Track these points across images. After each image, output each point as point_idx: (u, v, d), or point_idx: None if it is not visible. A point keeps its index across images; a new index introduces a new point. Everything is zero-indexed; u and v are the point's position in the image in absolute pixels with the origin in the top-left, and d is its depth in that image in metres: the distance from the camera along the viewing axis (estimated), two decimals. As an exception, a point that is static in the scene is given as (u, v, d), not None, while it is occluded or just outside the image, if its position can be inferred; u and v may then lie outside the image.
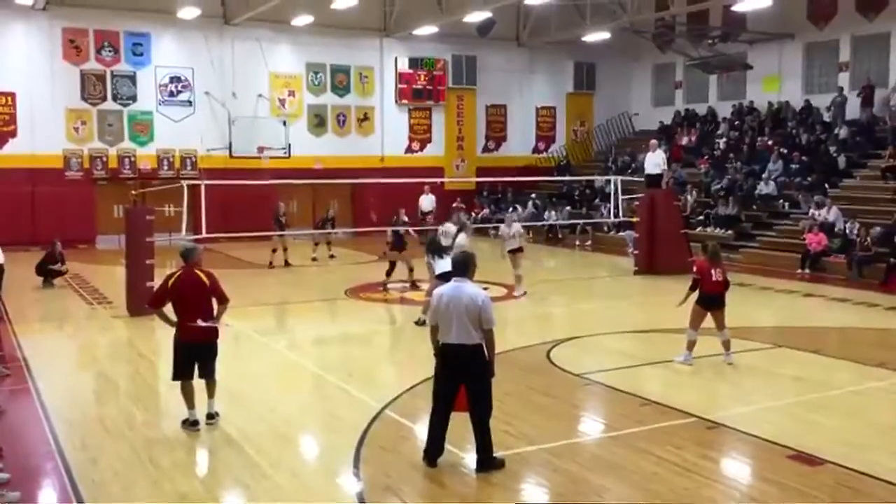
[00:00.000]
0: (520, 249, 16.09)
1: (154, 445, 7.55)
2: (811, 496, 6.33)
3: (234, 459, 7.26)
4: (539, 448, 7.43)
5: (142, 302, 13.45)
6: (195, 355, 7.93)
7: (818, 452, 7.15)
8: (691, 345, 10.31)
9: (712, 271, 10.24)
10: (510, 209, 27.88)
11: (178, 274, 7.98)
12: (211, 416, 8.03)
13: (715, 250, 10.62)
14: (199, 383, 8.04)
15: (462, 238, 13.98)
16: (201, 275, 7.99)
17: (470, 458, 6.93)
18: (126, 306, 13.87)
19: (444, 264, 12.33)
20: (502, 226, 16.74)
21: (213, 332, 8.02)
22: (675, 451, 7.26)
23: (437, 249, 12.51)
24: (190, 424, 7.90)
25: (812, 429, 7.94)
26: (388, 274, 15.92)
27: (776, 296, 16.37)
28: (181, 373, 7.94)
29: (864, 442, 7.57)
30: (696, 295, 10.32)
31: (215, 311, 8.04)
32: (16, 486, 6.39)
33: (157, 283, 13.49)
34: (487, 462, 6.81)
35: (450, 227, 15.45)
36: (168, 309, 8.04)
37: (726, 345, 10.35)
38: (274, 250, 19.85)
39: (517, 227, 16.44)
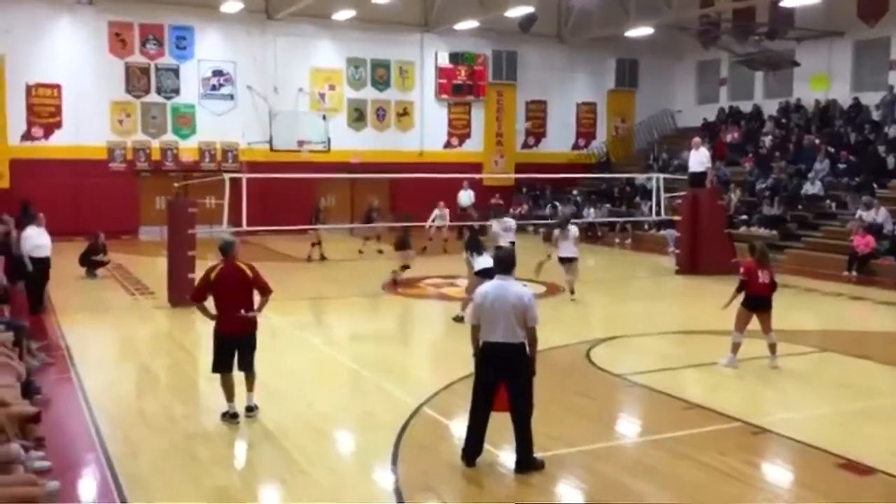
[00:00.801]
0: (575, 258, 14.74)
1: (193, 439, 7.58)
2: (861, 507, 6.15)
3: (272, 454, 7.26)
4: (578, 450, 7.32)
5: (183, 293, 13.60)
6: (235, 347, 7.95)
7: (867, 461, 6.93)
8: (736, 347, 10.10)
9: (759, 272, 10.01)
10: (550, 205, 27.75)
11: (219, 267, 8.00)
12: (250, 409, 8.05)
13: (763, 251, 10.38)
14: (238, 376, 8.07)
15: (509, 224, 14.21)
16: (244, 267, 8.03)
17: (508, 458, 6.85)
18: (167, 297, 14.00)
19: (483, 261, 12.25)
20: (563, 230, 14.81)
21: (253, 324, 8.06)
22: (718, 457, 7.09)
23: (476, 246, 12.42)
24: (230, 417, 7.93)
25: (861, 437, 7.70)
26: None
27: (822, 298, 16.01)
28: (221, 365, 7.98)
29: (917, 452, 7.34)
30: (741, 297, 10.10)
31: (256, 304, 8.07)
32: (57, 476, 6.44)
33: (198, 274, 13.77)
34: (527, 463, 6.72)
35: (510, 223, 15.34)
36: (208, 302, 8.08)
37: (772, 348, 10.12)
38: (313, 244, 19.95)
39: (574, 230, 14.91)
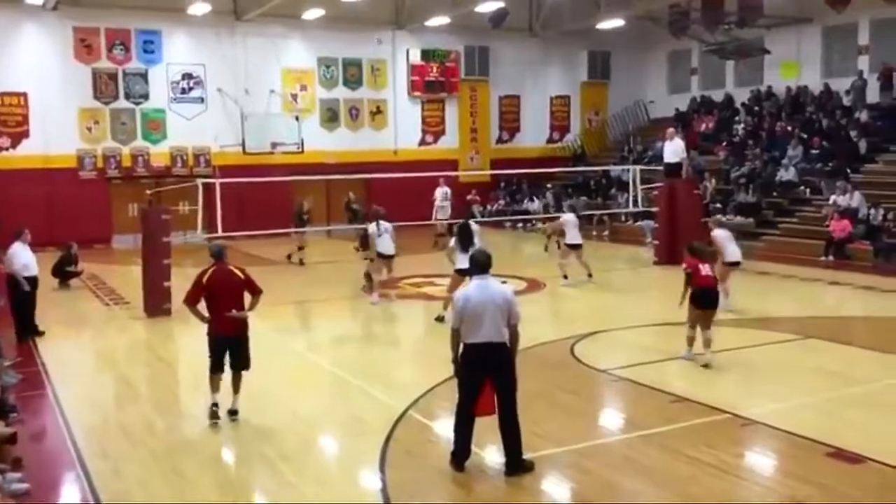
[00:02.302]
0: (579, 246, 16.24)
1: (176, 452, 7.42)
2: (854, 497, 6.12)
3: (257, 465, 7.12)
4: (567, 449, 7.25)
5: (160, 302, 13.47)
6: (227, 347, 8.15)
7: (858, 449, 6.92)
8: (691, 340, 10.03)
9: (701, 266, 9.97)
10: (528, 199, 27.73)
11: (211, 270, 8.20)
12: (233, 413, 8.12)
13: (699, 248, 10.41)
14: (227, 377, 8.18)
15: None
16: (235, 270, 8.30)
17: (497, 460, 6.76)
18: (143, 307, 13.76)
19: (465, 259, 12.10)
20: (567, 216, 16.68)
21: (245, 324, 8.26)
22: (709, 451, 7.05)
23: (467, 240, 12.12)
24: (212, 405, 8.06)
25: (850, 425, 7.70)
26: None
27: (800, 284, 16.10)
28: (215, 366, 8.16)
29: (906, 438, 7.35)
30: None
31: (246, 305, 8.31)
32: (36, 498, 6.27)
33: (174, 283, 13.57)
34: (518, 464, 6.63)
35: (570, 217, 16.23)
36: (200, 305, 8.22)
37: (707, 343, 9.88)
38: (300, 248, 19.77)
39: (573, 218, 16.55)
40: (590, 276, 16.01)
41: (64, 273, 16.78)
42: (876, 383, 9.13)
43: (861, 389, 8.91)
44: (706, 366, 9.73)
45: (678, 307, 10.16)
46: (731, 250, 12.88)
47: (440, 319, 12.17)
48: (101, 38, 24.41)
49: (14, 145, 23.66)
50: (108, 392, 9.89)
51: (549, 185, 28.20)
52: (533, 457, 6.79)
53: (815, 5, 24.60)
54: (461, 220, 13.68)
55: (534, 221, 26.44)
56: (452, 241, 12.72)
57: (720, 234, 13.03)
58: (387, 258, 14.39)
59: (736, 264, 13.00)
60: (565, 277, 16.00)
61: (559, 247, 17.12)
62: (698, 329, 9.97)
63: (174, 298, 13.46)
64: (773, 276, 16.82)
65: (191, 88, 25.60)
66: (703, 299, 9.92)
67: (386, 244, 14.25)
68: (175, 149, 25.42)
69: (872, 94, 23.12)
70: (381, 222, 14.29)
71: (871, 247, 17.95)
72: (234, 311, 8.10)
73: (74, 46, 24.10)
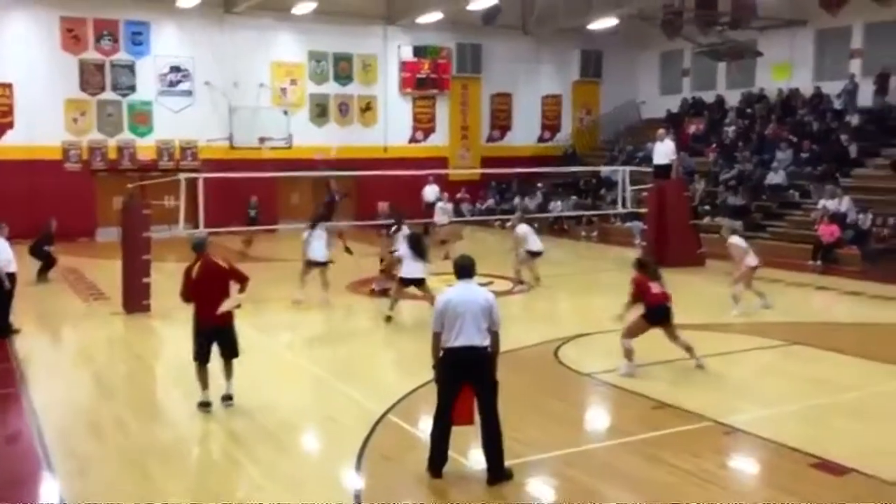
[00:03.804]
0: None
1: (147, 454, 7.22)
2: (838, 510, 6.00)
3: (228, 468, 6.97)
4: (549, 456, 7.11)
5: (139, 298, 13.26)
6: (214, 338, 8.27)
7: (843, 460, 6.79)
8: (629, 353, 9.65)
9: (650, 284, 9.59)
10: (517, 197, 27.56)
11: (198, 264, 8.25)
12: (228, 398, 8.29)
13: (647, 263, 10.02)
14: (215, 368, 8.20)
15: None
16: (220, 261, 8.45)
17: (476, 467, 6.61)
18: (122, 304, 13.54)
19: (414, 268, 11.98)
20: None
21: (230, 314, 8.37)
22: (691, 459, 6.91)
23: (418, 248, 12.03)
24: (203, 406, 8.15)
25: (835, 434, 7.58)
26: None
27: (788, 289, 15.97)
28: (199, 355, 8.25)
29: (891, 449, 7.21)
30: (639, 309, 9.68)
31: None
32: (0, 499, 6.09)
33: (154, 278, 13.37)
34: (499, 472, 6.46)
35: (525, 228, 15.67)
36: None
37: (689, 350, 9.68)
38: (247, 242, 19.85)
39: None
40: (534, 281, 15.57)
41: (41, 253, 16.38)
42: (861, 391, 9.01)
43: (847, 397, 8.79)
44: (700, 367, 9.60)
45: (617, 320, 9.85)
46: (750, 257, 13.05)
47: (388, 319, 12.34)
48: (88, 28, 24.14)
49: (-2, 136, 23.37)
50: (82, 390, 9.65)
51: (539, 185, 28.07)
52: (514, 463, 6.64)
53: (809, 7, 24.53)
54: (414, 232, 13.45)
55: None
56: (402, 249, 12.53)
57: (736, 242, 13.10)
58: (317, 265, 13.56)
59: (756, 268, 13.18)
60: (521, 283, 15.73)
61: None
62: (680, 339, 9.69)
63: (154, 295, 13.29)
64: (760, 280, 16.61)
65: (179, 81, 25.34)
66: (655, 316, 9.58)
67: (315, 249, 13.42)
68: (162, 142, 25.16)
69: (864, 98, 23.04)
70: (320, 224, 13.55)
71: (859, 252, 17.87)
72: (225, 302, 8.19)
73: (61, 37, 23.82)
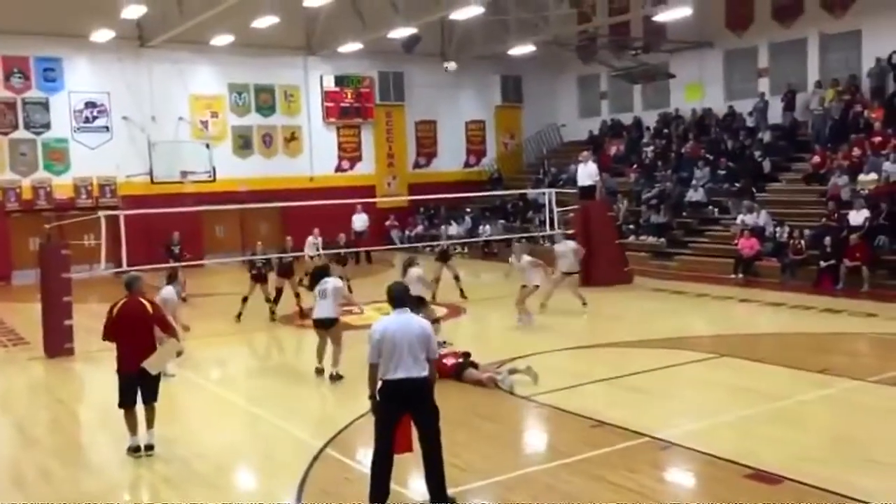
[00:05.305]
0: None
1: (73, 504, 6.94)
2: (774, 518, 6.12)
3: (163, 515, 6.72)
4: (490, 482, 7.08)
5: (60, 342, 12.79)
6: (138, 383, 7.97)
7: (775, 469, 6.95)
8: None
9: None
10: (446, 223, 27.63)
11: (122, 302, 8.02)
12: (149, 448, 7.95)
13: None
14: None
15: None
16: (145, 303, 8.11)
17: (417, 498, 6.54)
18: (43, 348, 13.04)
19: (323, 307, 10.94)
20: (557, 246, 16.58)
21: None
22: (630, 476, 6.99)
23: (312, 284, 11.52)
24: (133, 451, 7.92)
25: (766, 443, 7.75)
26: (276, 301, 15.77)
27: (712, 302, 16.41)
28: (125, 401, 7.97)
29: (819, 455, 7.43)
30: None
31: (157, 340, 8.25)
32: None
33: (75, 321, 12.93)
34: (442, 501, 6.41)
35: (568, 245, 16.20)
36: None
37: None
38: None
39: (570, 245, 16.46)
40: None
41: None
42: (788, 399, 9.26)
43: (775, 406, 9.02)
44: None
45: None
46: (537, 275, 14.47)
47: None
48: (-4, 65, 23.40)
49: None
50: (2, 440, 9.23)
51: (468, 209, 28.25)
52: (455, 492, 6.59)
53: (716, 30, 25.50)
54: (319, 264, 12.90)
55: (455, 246, 26.34)
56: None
57: (529, 261, 14.45)
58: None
59: (537, 287, 14.39)
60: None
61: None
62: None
63: (77, 337, 12.85)
64: (686, 294, 17.14)
65: (95, 117, 24.72)
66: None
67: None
68: (79, 179, 24.45)
69: (774, 115, 23.96)
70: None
71: (778, 264, 18.47)
72: (152, 356, 7.93)
73: (-31, 74, 23.03)
